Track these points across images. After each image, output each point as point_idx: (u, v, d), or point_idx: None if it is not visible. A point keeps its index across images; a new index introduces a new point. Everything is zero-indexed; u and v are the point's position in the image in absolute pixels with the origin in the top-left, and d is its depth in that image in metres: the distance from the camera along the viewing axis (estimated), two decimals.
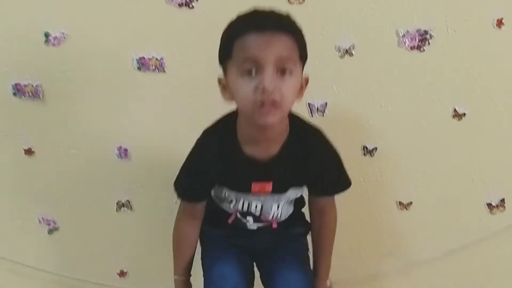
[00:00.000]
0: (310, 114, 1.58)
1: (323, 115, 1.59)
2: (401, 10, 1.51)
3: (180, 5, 1.47)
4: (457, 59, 1.55)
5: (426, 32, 1.52)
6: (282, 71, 1.07)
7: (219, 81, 1.15)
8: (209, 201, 1.30)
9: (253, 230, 1.31)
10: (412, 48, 1.54)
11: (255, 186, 1.21)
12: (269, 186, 1.22)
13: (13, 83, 1.53)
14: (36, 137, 1.59)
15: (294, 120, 1.20)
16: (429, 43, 1.53)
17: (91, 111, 1.57)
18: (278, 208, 1.28)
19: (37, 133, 1.59)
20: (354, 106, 1.59)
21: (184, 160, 1.22)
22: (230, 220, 1.29)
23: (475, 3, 1.51)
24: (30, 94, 1.53)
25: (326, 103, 1.58)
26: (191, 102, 1.56)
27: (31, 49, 1.50)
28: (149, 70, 1.53)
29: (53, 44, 1.49)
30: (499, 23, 1.52)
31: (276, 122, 1.10)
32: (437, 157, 1.65)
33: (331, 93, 1.57)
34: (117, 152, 1.60)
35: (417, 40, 1.53)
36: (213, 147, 1.19)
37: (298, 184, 1.26)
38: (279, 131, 1.17)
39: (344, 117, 1.60)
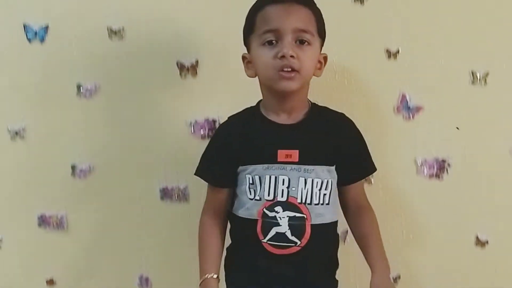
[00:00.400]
0: None
1: (344, 243, 1.58)
2: (419, 139, 1.54)
3: (203, 136, 1.53)
4: (475, 187, 1.56)
5: (444, 161, 1.55)
6: (300, 41, 1.18)
7: (244, 58, 1.26)
8: (233, 231, 1.29)
9: (283, 257, 1.22)
10: (431, 176, 1.55)
11: (281, 154, 1.21)
12: (295, 154, 1.21)
13: (39, 214, 1.56)
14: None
15: (314, 104, 1.29)
16: (447, 171, 1.55)
17: (113, 240, 1.59)
18: (306, 185, 1.22)
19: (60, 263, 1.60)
20: None
21: None
22: (258, 228, 1.21)
23: (491, 132, 1.54)
24: (55, 224, 1.56)
25: (347, 231, 1.57)
26: None
27: (57, 181, 1.55)
28: (171, 199, 1.55)
29: (79, 176, 1.54)
30: None
31: (295, 88, 1.19)
32: (459, 286, 1.61)
33: None
34: (138, 281, 1.59)
35: (435, 169, 1.55)
36: (234, 123, 1.26)
37: (325, 159, 1.24)
38: (299, 100, 1.24)
39: None
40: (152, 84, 1.51)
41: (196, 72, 1.50)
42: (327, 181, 1.25)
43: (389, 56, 1.50)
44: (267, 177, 1.22)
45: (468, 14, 1.50)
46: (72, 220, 1.57)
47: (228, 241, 1.32)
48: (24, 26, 1.49)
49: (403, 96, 1.52)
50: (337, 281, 1.35)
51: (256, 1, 1.25)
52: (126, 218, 1.57)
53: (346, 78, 1.51)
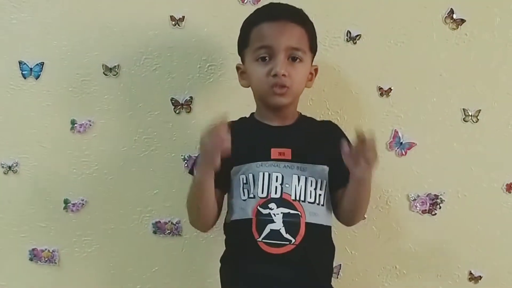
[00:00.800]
0: None
1: (337, 277, 1.58)
2: (412, 175, 1.55)
3: None
4: (468, 222, 1.56)
5: (436, 196, 1.55)
6: (293, 58, 1.23)
7: (238, 68, 1.32)
8: (228, 240, 1.30)
9: (278, 256, 1.20)
10: (423, 212, 1.56)
11: (274, 152, 1.24)
12: (288, 152, 1.25)
13: (30, 248, 1.55)
14: None
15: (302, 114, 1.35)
16: (440, 207, 1.56)
17: (105, 275, 1.58)
18: (300, 182, 1.23)
19: None
20: (368, 269, 1.58)
21: None
22: (253, 227, 1.21)
23: (485, 168, 1.55)
24: (46, 259, 1.55)
25: (340, 265, 1.58)
26: None
27: (50, 215, 1.55)
28: (164, 233, 1.55)
29: (72, 210, 1.54)
30: (509, 187, 1.55)
31: (287, 103, 1.25)
32: None
33: (345, 255, 1.57)
34: None
35: (428, 204, 1.56)
36: (230, 125, 1.20)
37: (318, 158, 1.26)
38: (290, 111, 1.30)
39: (358, 279, 1.58)
40: (146, 120, 1.52)
41: (190, 108, 1.51)
42: (321, 181, 1.26)
43: (382, 94, 1.52)
44: (261, 174, 1.23)
45: (460, 53, 1.52)
46: (64, 255, 1.56)
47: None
48: (20, 63, 1.49)
49: (396, 133, 1.53)
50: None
51: (252, 16, 1.29)
52: (119, 253, 1.57)
53: (339, 115, 1.52)
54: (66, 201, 1.54)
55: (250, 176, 1.24)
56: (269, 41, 1.22)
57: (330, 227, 1.30)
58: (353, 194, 1.24)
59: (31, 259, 1.55)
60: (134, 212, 1.55)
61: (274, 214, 1.21)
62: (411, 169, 1.55)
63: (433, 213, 1.56)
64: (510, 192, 1.56)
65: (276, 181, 1.23)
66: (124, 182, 1.54)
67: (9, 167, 1.52)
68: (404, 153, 1.54)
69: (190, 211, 1.28)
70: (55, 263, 1.56)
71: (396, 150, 1.54)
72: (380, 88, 1.52)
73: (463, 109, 1.53)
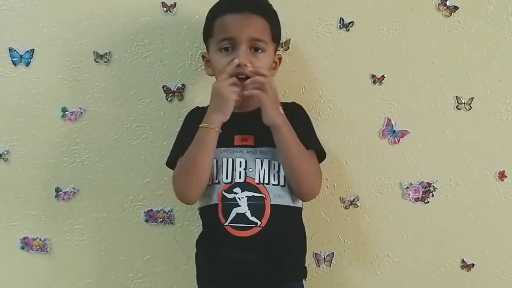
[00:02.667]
0: (317, 265, 1.57)
1: (330, 265, 1.58)
2: (404, 163, 1.55)
3: None
4: (461, 210, 1.57)
5: (429, 184, 1.55)
6: (255, 49, 1.26)
7: (203, 56, 1.36)
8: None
9: (245, 239, 1.23)
10: (416, 200, 1.56)
11: (237, 139, 1.28)
12: (251, 139, 1.29)
13: (21, 237, 1.55)
14: None
15: None
16: (432, 195, 1.56)
17: (97, 263, 1.57)
18: (263, 165, 1.27)
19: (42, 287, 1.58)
20: (360, 257, 1.58)
21: None
22: (219, 212, 1.25)
23: (478, 156, 1.55)
24: (38, 247, 1.54)
25: (333, 253, 1.58)
26: None
27: (41, 203, 1.54)
28: (156, 222, 1.55)
29: (63, 199, 1.53)
30: (501, 175, 1.55)
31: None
32: None
33: (338, 244, 1.57)
34: None
35: (420, 193, 1.56)
36: (197, 111, 1.35)
37: None
38: (253, 101, 1.26)
39: (351, 267, 1.58)
40: (138, 108, 1.51)
41: (182, 96, 1.51)
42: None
43: (374, 82, 1.51)
44: (225, 160, 1.27)
45: (453, 40, 1.51)
46: (55, 243, 1.55)
47: None
48: (9, 50, 1.48)
49: (388, 121, 1.53)
50: (306, 269, 1.36)
51: (216, 6, 1.32)
52: (111, 241, 1.56)
53: (332, 102, 1.52)
54: (57, 190, 1.53)
55: (214, 162, 1.27)
56: (231, 33, 1.25)
57: (298, 208, 1.32)
58: (281, 156, 1.26)
59: (22, 248, 1.55)
60: (125, 201, 1.54)
61: (239, 198, 1.25)
62: (404, 157, 1.55)
63: (425, 201, 1.56)
64: (502, 180, 1.56)
65: (240, 166, 1.27)
66: (115, 170, 1.53)
67: (0, 155, 1.51)
68: (396, 141, 1.54)
69: (186, 174, 1.26)
70: (47, 251, 1.55)
71: (388, 138, 1.53)
72: (373, 76, 1.51)
73: (456, 97, 1.52)
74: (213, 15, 1.30)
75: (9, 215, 1.54)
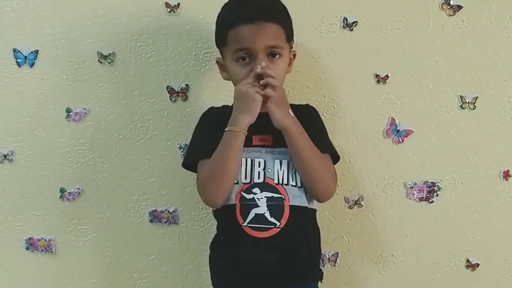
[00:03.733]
0: (322, 264, 1.57)
1: (334, 265, 1.58)
2: (409, 163, 1.55)
3: None
4: (465, 210, 1.56)
5: (433, 184, 1.55)
6: (272, 55, 1.25)
7: (218, 62, 1.34)
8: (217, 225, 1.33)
9: (263, 240, 1.23)
10: (420, 199, 1.56)
11: (255, 138, 1.27)
12: (269, 139, 1.28)
13: (26, 237, 1.55)
14: None
15: None
16: (437, 195, 1.55)
17: (101, 264, 1.58)
18: (282, 166, 1.26)
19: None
20: (365, 256, 1.58)
21: None
22: (237, 212, 1.24)
23: (482, 156, 1.55)
24: (43, 248, 1.55)
25: (337, 253, 1.58)
26: None
27: (46, 204, 1.54)
28: (160, 222, 1.55)
29: (68, 199, 1.54)
30: (506, 175, 1.55)
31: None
32: None
33: (343, 243, 1.57)
34: None
35: (425, 192, 1.55)
36: (215, 111, 1.35)
37: None
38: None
39: (356, 267, 1.59)
40: (142, 108, 1.51)
41: (186, 96, 1.51)
42: None
43: (378, 81, 1.51)
44: (243, 160, 1.26)
45: (457, 40, 1.51)
46: (60, 244, 1.56)
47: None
48: (14, 51, 1.48)
49: (393, 120, 1.53)
50: (322, 272, 1.36)
51: (227, 14, 1.29)
52: (115, 241, 1.56)
53: (336, 102, 1.52)
54: (62, 190, 1.53)
55: None
56: (247, 44, 1.23)
57: (314, 210, 1.32)
58: (294, 157, 1.25)
59: (27, 248, 1.55)
60: (130, 201, 1.54)
61: (258, 199, 1.24)
62: (408, 157, 1.54)
63: (430, 200, 1.56)
64: (507, 180, 1.55)
65: (259, 166, 1.26)
66: (119, 170, 1.53)
67: (4, 156, 1.51)
68: (401, 140, 1.53)
69: (216, 179, 1.24)
70: (52, 252, 1.55)
71: (393, 138, 1.53)
72: (377, 75, 1.51)
73: (460, 96, 1.52)
74: (226, 25, 1.27)
75: (13, 215, 1.55)
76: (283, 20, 1.28)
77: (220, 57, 1.33)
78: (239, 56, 1.25)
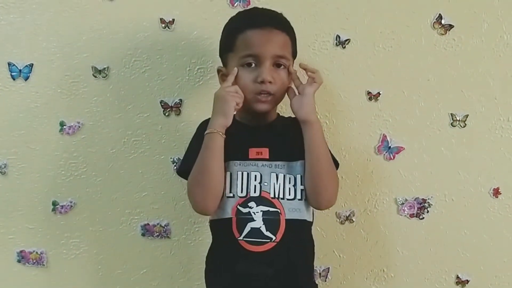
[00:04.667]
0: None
1: (325, 280, 1.59)
2: (400, 179, 1.56)
3: None
4: (456, 226, 1.58)
5: (424, 200, 1.56)
6: (277, 65, 1.26)
7: (219, 70, 1.33)
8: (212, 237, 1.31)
9: (259, 254, 1.22)
10: (411, 216, 1.57)
11: (252, 151, 1.27)
12: (265, 152, 1.28)
13: (18, 250, 1.55)
14: None
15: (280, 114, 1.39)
16: (427, 211, 1.56)
17: (93, 277, 1.57)
18: (278, 180, 1.26)
19: None
20: (355, 272, 1.59)
21: None
22: (233, 226, 1.23)
23: (472, 173, 1.56)
24: (34, 261, 1.55)
25: (328, 268, 1.58)
26: None
27: (38, 216, 1.54)
28: (152, 236, 1.55)
29: (60, 212, 1.54)
30: (496, 192, 1.56)
31: (269, 109, 1.29)
32: None
33: (334, 258, 1.58)
34: None
35: (416, 208, 1.57)
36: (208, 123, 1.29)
37: (295, 154, 1.28)
38: (269, 114, 1.32)
39: (346, 282, 1.59)
40: (135, 122, 1.52)
41: (180, 111, 1.52)
42: (300, 176, 1.28)
43: (370, 98, 1.53)
44: (239, 174, 1.26)
45: (449, 58, 1.53)
46: (52, 257, 1.56)
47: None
48: (9, 64, 1.49)
49: (384, 137, 1.54)
50: (317, 284, 1.36)
51: (236, 20, 1.31)
52: (107, 255, 1.56)
53: (328, 118, 1.53)
54: (54, 203, 1.53)
55: (228, 175, 1.26)
56: (256, 49, 1.24)
57: (310, 222, 1.32)
58: (309, 156, 1.25)
59: (19, 261, 1.55)
60: (122, 214, 1.55)
61: (254, 213, 1.24)
62: (399, 173, 1.56)
63: (420, 217, 1.57)
64: (497, 197, 1.57)
65: (255, 180, 1.26)
66: (112, 184, 1.54)
67: None
68: (392, 157, 1.55)
69: (198, 183, 1.24)
70: (43, 265, 1.55)
71: (384, 154, 1.55)
72: (369, 93, 1.52)
73: (451, 113, 1.54)
74: (235, 30, 1.28)
75: (6, 228, 1.55)
76: (291, 33, 1.31)
77: (222, 66, 1.33)
78: (246, 62, 1.25)
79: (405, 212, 1.57)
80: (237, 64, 1.26)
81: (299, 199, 1.27)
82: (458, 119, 1.54)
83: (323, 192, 1.27)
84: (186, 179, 1.31)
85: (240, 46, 1.26)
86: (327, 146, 1.29)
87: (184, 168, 1.31)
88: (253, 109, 1.27)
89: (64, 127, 1.51)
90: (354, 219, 1.56)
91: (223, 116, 1.23)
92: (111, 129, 1.52)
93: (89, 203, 1.54)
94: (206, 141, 1.24)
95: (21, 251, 1.55)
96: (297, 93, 1.29)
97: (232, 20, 1.32)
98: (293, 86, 1.30)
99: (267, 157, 1.28)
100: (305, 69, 1.31)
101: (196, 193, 1.25)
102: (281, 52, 1.26)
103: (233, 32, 1.28)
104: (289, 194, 1.27)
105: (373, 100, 1.53)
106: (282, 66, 1.27)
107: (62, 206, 1.53)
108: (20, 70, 1.49)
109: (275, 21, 1.28)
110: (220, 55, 1.34)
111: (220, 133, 1.23)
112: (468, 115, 1.54)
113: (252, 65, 1.25)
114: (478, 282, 1.59)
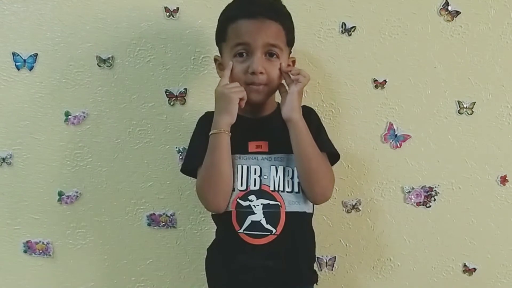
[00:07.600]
0: (320, 269, 1.57)
1: (332, 269, 1.58)
2: (406, 168, 1.55)
3: None
4: (463, 215, 1.57)
5: (431, 188, 1.55)
6: (270, 54, 1.24)
7: (215, 59, 1.33)
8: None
9: (260, 247, 1.23)
10: (418, 204, 1.56)
11: (251, 145, 1.27)
12: (265, 145, 1.27)
13: (24, 241, 1.55)
14: None
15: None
16: (434, 199, 1.56)
17: (99, 267, 1.58)
18: (278, 173, 1.26)
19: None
20: (362, 261, 1.59)
21: None
22: (233, 219, 1.24)
23: (479, 161, 1.55)
24: (41, 251, 1.55)
25: (335, 257, 1.58)
26: None
27: (44, 207, 1.55)
28: (158, 226, 1.55)
29: (66, 203, 1.54)
30: (503, 180, 1.56)
31: (262, 99, 1.27)
32: None
33: (340, 248, 1.58)
34: None
35: (422, 197, 1.56)
36: (210, 113, 1.29)
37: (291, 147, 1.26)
38: (266, 104, 1.31)
39: (353, 271, 1.59)
40: (140, 112, 1.52)
41: (185, 100, 1.51)
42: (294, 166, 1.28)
43: (377, 86, 1.52)
44: (239, 167, 1.26)
45: (455, 45, 1.52)
46: (58, 247, 1.56)
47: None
48: (13, 54, 1.49)
49: (391, 125, 1.53)
50: (317, 274, 1.35)
51: (229, 10, 1.29)
52: (113, 245, 1.57)
53: (334, 107, 1.52)
54: (60, 193, 1.53)
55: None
56: (246, 39, 1.23)
57: (310, 214, 1.32)
58: (296, 155, 1.24)
59: (25, 251, 1.55)
60: (128, 204, 1.55)
61: (254, 206, 1.24)
62: (406, 162, 1.55)
63: (427, 205, 1.56)
64: (504, 185, 1.56)
65: (255, 173, 1.26)
66: (118, 174, 1.54)
67: (3, 159, 1.52)
68: (398, 145, 1.54)
69: (210, 184, 1.24)
70: (49, 255, 1.56)
71: (390, 143, 1.54)
72: (375, 80, 1.51)
73: (458, 101, 1.53)
74: (227, 19, 1.27)
75: (12, 218, 1.55)
76: (285, 22, 1.28)
77: (219, 55, 1.33)
78: (237, 52, 1.24)
79: (412, 200, 1.56)
80: (229, 54, 1.26)
81: (296, 192, 1.27)
82: (465, 106, 1.53)
83: (315, 188, 1.26)
84: (190, 176, 1.32)
85: (231, 36, 1.25)
86: (314, 143, 1.26)
87: (189, 166, 1.31)
88: (247, 99, 1.25)
89: (69, 117, 1.50)
90: (360, 208, 1.56)
91: (228, 115, 1.22)
92: (116, 119, 1.52)
93: (94, 193, 1.54)
94: (213, 141, 1.23)
95: (27, 242, 1.55)
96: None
97: (226, 8, 1.31)
98: (284, 83, 1.29)
99: (266, 150, 1.28)
100: (287, 73, 1.26)
101: (208, 194, 1.25)
102: (273, 41, 1.24)
103: (225, 22, 1.27)
104: (288, 187, 1.27)
105: (379, 88, 1.52)
106: (275, 56, 1.25)
107: (67, 197, 1.53)
108: (24, 60, 1.48)
109: (268, 10, 1.25)
110: (216, 44, 1.33)
111: (227, 132, 1.22)
112: (475, 102, 1.53)
113: (243, 55, 1.24)
114: (485, 270, 1.59)
